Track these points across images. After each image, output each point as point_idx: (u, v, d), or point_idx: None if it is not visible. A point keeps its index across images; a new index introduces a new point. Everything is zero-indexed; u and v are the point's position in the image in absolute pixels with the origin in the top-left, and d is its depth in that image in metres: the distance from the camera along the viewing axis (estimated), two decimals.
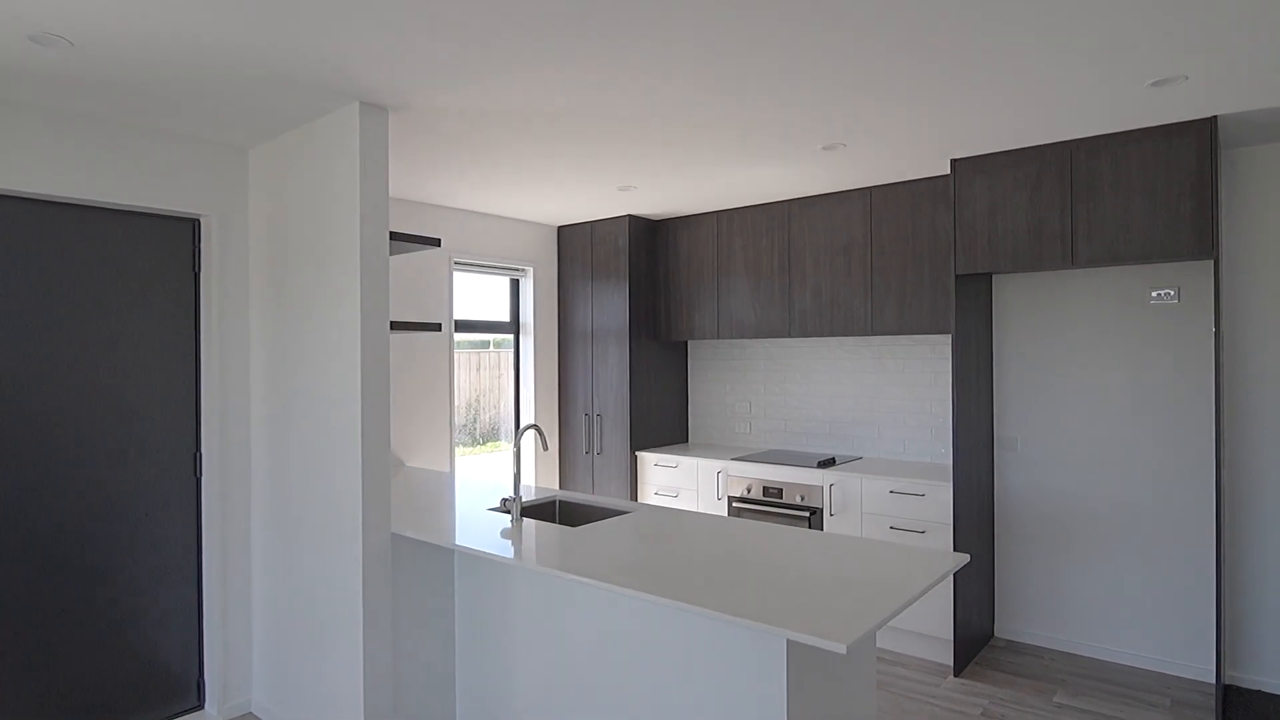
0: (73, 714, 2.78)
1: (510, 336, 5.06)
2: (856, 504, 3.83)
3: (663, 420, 4.99)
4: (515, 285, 5.08)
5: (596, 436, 4.92)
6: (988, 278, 3.91)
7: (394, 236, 2.90)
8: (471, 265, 4.71)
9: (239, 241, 3.17)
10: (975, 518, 3.67)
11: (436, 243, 3.06)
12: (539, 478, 5.03)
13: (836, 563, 2.17)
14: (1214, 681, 3.33)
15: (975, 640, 3.67)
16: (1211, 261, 3.33)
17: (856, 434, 4.41)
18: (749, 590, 1.93)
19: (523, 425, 2.83)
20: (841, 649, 1.57)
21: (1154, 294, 3.49)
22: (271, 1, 1.87)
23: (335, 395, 2.73)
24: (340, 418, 2.70)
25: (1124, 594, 3.57)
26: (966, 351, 3.60)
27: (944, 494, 3.56)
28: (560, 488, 5.16)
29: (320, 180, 2.79)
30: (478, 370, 4.95)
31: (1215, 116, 2.89)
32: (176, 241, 3.05)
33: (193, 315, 3.09)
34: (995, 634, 3.91)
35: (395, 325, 2.92)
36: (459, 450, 4.77)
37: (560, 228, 5.16)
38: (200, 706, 3.11)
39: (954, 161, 3.49)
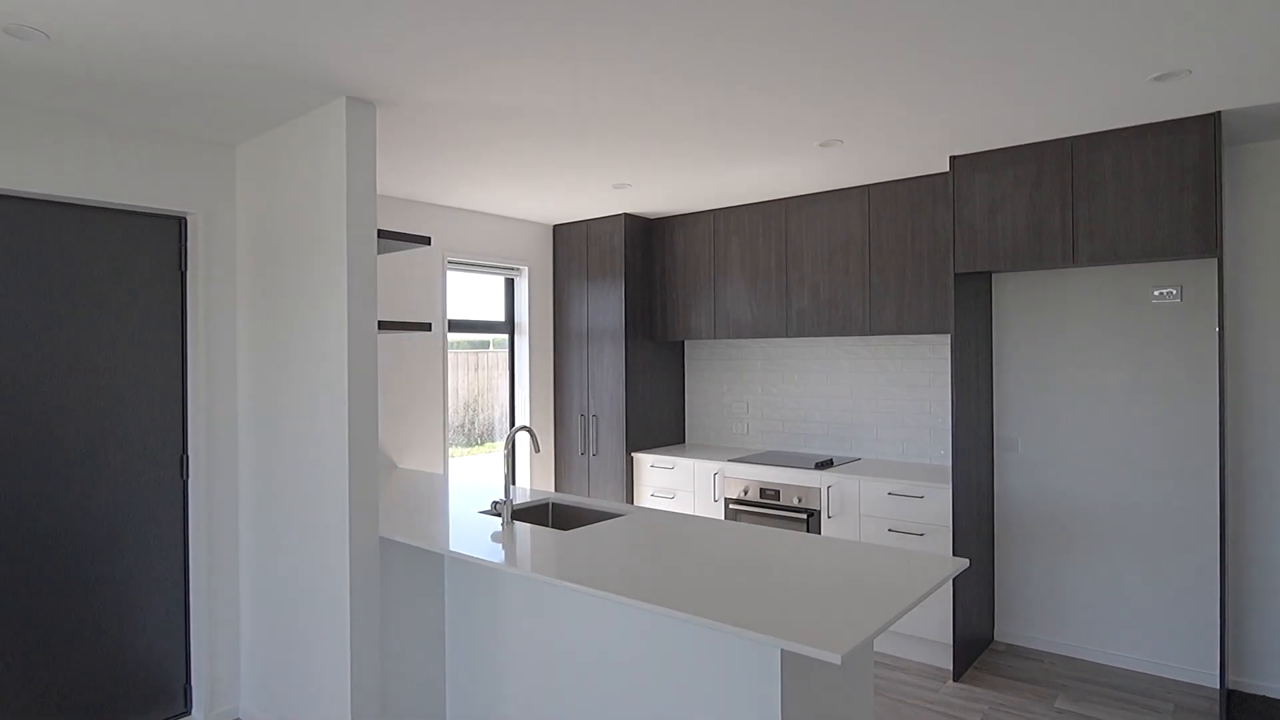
0: None
1: (505, 336, 5.02)
2: (855, 506, 3.78)
3: (659, 421, 4.94)
4: (510, 285, 5.03)
5: (592, 437, 4.87)
6: (987, 277, 3.86)
7: (382, 234, 2.85)
8: (465, 264, 4.66)
9: (226, 240, 3.12)
10: (975, 520, 3.62)
11: (426, 241, 3.01)
12: (534, 479, 4.98)
13: (833, 568, 2.12)
14: (1218, 686, 3.27)
15: (975, 644, 3.62)
16: (1215, 260, 3.28)
17: (855, 435, 4.36)
18: (743, 597, 1.88)
19: (514, 427, 2.78)
20: (836, 659, 1.52)
21: (1156, 293, 3.44)
22: None
23: (322, 395, 2.68)
24: (327, 418, 2.65)
25: (1126, 597, 3.52)
26: (966, 351, 3.55)
27: (943, 496, 3.51)
28: (556, 489, 5.11)
29: (307, 177, 2.74)
30: (476, 370, 4.90)
31: (1219, 112, 2.84)
32: (162, 240, 3.00)
33: (179, 315, 3.04)
34: (995, 637, 3.86)
35: (383, 325, 2.88)
36: (456, 451, 4.72)
37: (555, 226, 5.11)
38: (187, 712, 3.06)
39: (953, 158, 3.45)
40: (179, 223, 3.04)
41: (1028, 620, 3.77)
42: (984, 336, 3.78)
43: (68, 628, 2.76)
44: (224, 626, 3.12)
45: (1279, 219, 3.20)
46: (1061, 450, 3.68)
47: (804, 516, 3.94)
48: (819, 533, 3.89)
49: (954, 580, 3.40)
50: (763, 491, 4.11)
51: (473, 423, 4.86)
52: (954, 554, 3.41)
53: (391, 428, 4.18)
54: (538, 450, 2.61)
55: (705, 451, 4.69)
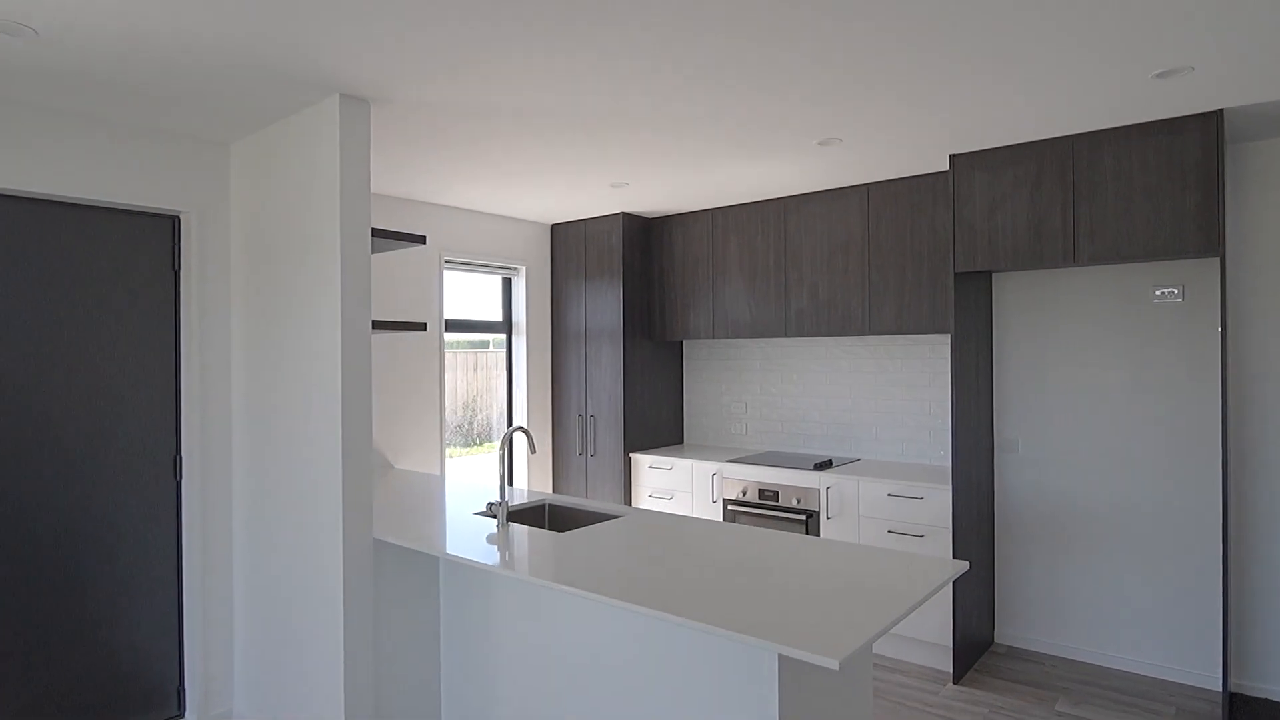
0: None
1: (503, 336, 4.99)
2: (854, 507, 3.75)
3: (657, 421, 4.91)
4: (508, 284, 5.01)
5: (590, 438, 4.85)
6: (987, 276, 3.83)
7: (377, 233, 2.82)
8: (462, 264, 4.64)
9: (220, 238, 3.10)
10: (975, 521, 3.59)
11: (421, 240, 2.98)
12: (531, 480, 4.96)
13: (832, 571, 2.10)
14: (1220, 689, 3.25)
15: (975, 646, 3.59)
16: (1217, 259, 3.26)
17: (854, 435, 4.33)
18: (740, 600, 1.86)
19: (510, 427, 2.75)
20: (834, 664, 1.50)
21: (1157, 292, 3.41)
22: None
23: (316, 394, 2.65)
24: (321, 418, 2.63)
25: (1127, 599, 3.49)
26: (966, 351, 3.52)
27: (943, 496, 3.48)
28: (553, 490, 5.09)
29: (301, 174, 2.72)
30: (475, 370, 4.87)
31: (1221, 110, 2.81)
32: (156, 239, 2.97)
33: (173, 314, 3.01)
34: (995, 640, 3.83)
35: (378, 325, 2.85)
36: (455, 452, 4.70)
37: (553, 226, 5.08)
38: (181, 714, 3.03)
39: (953, 157, 3.42)
40: (173, 221, 3.02)
41: (1028, 622, 3.75)
42: (984, 336, 3.76)
43: (67, 628, 2.74)
44: (218, 627, 3.10)
45: None
46: (1062, 451, 3.66)
47: (803, 517, 3.91)
48: (818, 534, 3.87)
49: (954, 582, 3.37)
50: (761, 492, 4.08)
51: (471, 423, 4.84)
52: (954, 555, 3.38)
53: (387, 428, 4.16)
54: (534, 451, 2.59)
55: (704, 452, 4.66)
